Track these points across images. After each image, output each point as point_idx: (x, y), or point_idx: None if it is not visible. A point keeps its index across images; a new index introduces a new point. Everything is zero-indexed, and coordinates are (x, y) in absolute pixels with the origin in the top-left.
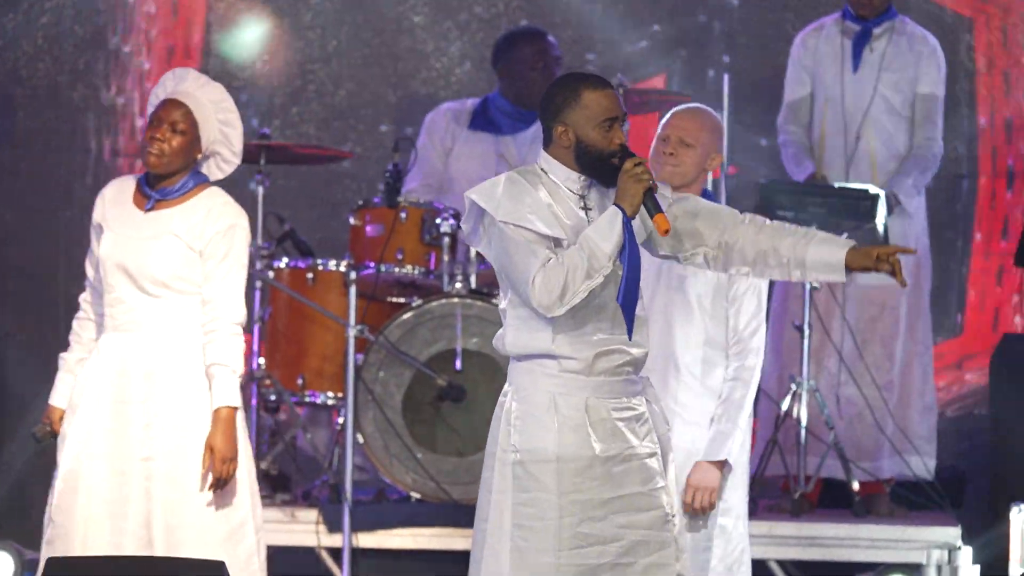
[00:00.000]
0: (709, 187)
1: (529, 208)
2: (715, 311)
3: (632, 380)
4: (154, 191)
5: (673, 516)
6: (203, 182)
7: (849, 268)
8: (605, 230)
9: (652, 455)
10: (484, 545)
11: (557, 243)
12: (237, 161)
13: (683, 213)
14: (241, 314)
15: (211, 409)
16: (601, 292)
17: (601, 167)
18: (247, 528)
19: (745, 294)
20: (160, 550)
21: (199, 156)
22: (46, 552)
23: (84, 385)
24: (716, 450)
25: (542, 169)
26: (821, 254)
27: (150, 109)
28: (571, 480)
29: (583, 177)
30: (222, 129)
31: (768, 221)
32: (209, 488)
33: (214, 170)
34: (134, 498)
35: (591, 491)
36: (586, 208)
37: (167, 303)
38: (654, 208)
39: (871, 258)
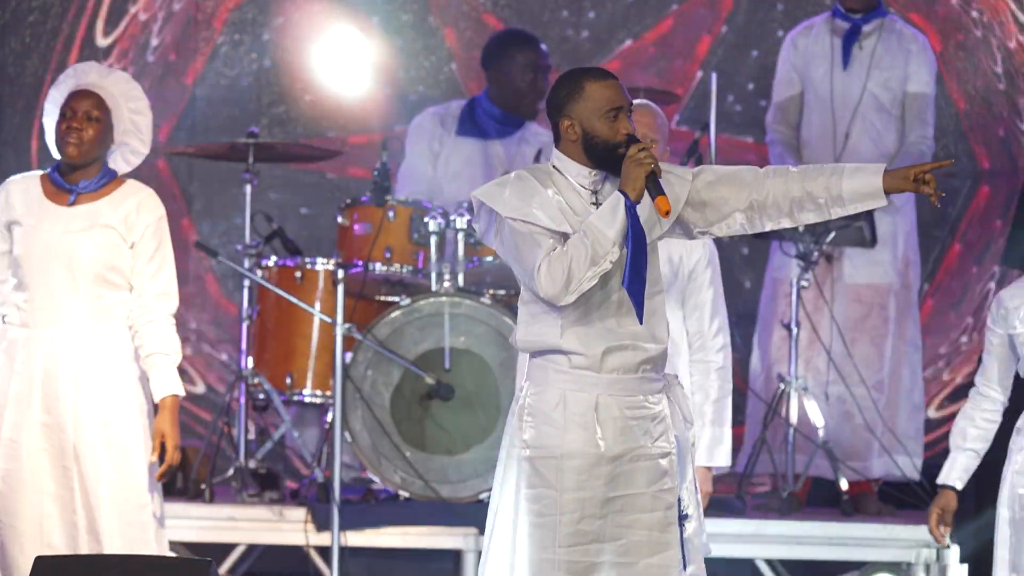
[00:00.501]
0: None
1: (536, 205)
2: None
3: (650, 378)
4: (72, 184)
5: (685, 517)
6: (116, 176)
7: (887, 192)
8: (608, 216)
9: (665, 455)
10: (491, 539)
11: (565, 238)
12: (146, 151)
13: (704, 185)
14: (175, 304)
15: (155, 398)
16: (606, 285)
17: (609, 158)
18: (163, 522)
19: (709, 292)
20: (108, 547)
21: (111, 146)
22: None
23: (7, 385)
24: (712, 454)
25: (554, 166)
26: (856, 186)
27: (49, 105)
28: (575, 477)
29: (595, 172)
30: (132, 118)
31: (792, 168)
32: (159, 476)
33: (120, 162)
34: (77, 492)
35: (594, 489)
36: (597, 203)
37: (96, 298)
38: (656, 191)
39: (908, 181)
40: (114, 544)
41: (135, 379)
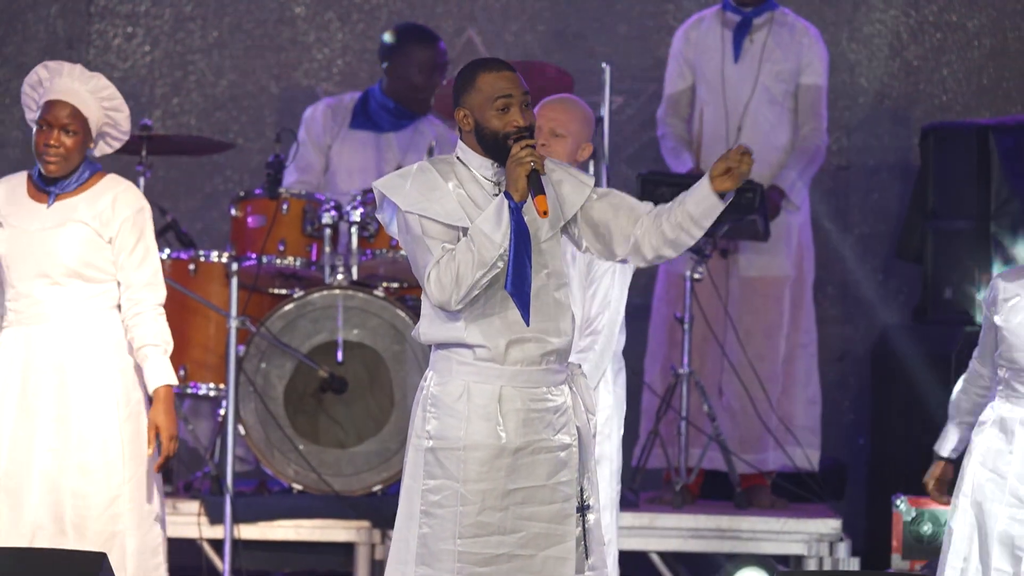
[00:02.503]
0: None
1: (435, 198)
2: (582, 296)
3: (553, 370)
4: (51, 186)
5: (586, 509)
6: (98, 170)
7: (720, 192)
8: (493, 219)
9: (566, 448)
10: (396, 529)
11: (464, 232)
12: (125, 138)
13: (607, 206)
14: (163, 294)
15: (149, 389)
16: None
17: (500, 149)
18: (154, 517)
19: (603, 277)
20: (72, 541)
21: (91, 146)
22: None
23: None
24: None
25: (458, 158)
26: (696, 200)
27: (26, 100)
28: (476, 469)
29: (496, 163)
30: (109, 115)
31: (666, 205)
32: (157, 468)
33: (103, 147)
34: (36, 489)
35: (495, 481)
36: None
37: (76, 293)
38: (536, 190)
39: (724, 168)
40: (83, 538)
41: (117, 371)
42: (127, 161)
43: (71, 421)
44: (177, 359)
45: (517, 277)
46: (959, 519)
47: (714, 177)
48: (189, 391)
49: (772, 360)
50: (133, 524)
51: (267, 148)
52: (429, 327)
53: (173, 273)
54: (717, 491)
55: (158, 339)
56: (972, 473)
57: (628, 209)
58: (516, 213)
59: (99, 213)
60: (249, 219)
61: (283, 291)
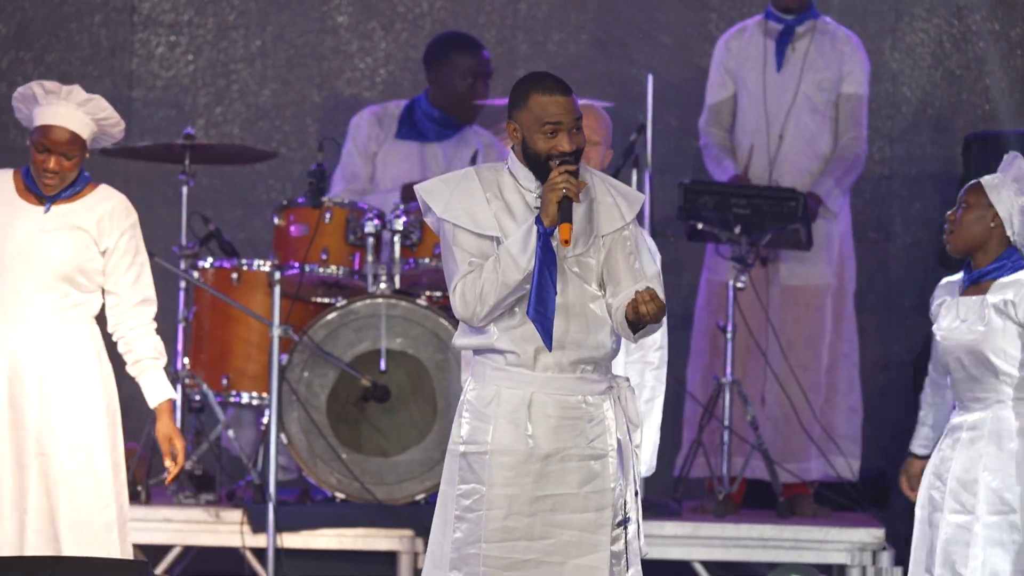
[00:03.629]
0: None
1: (469, 206)
2: None
3: (590, 379)
4: (48, 195)
5: (627, 522)
6: (90, 180)
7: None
8: (521, 242)
9: (600, 457)
10: (432, 535)
11: (497, 243)
12: (120, 137)
13: (622, 256)
14: (155, 309)
15: (151, 404)
16: None
17: (540, 169)
18: (125, 519)
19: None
20: (67, 549)
21: (87, 156)
22: None
23: None
24: None
25: (508, 166)
26: (618, 318)
27: (21, 107)
28: (502, 473)
29: (539, 179)
30: (106, 131)
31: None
32: (170, 480)
33: (101, 141)
34: (34, 492)
35: (522, 486)
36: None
37: (63, 298)
38: (564, 217)
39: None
40: (71, 546)
41: (99, 378)
42: (170, 170)
43: (55, 428)
44: (220, 368)
45: (539, 302)
46: (915, 532)
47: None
48: (232, 400)
49: (815, 369)
50: (119, 532)
51: (309, 157)
52: (462, 333)
53: (216, 282)
54: (760, 500)
55: (156, 353)
56: (925, 485)
57: (634, 275)
58: (543, 238)
59: (97, 222)
60: (292, 228)
61: (326, 300)
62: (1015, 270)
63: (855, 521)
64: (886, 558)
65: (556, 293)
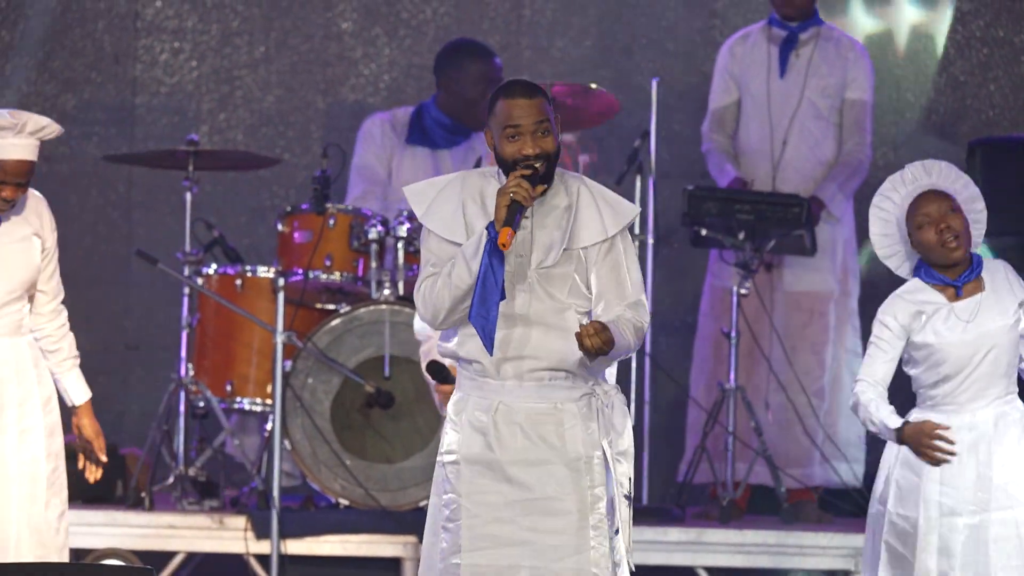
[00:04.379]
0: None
1: (445, 211)
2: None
3: (565, 385)
4: None
5: (601, 523)
6: None
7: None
8: (474, 247)
9: (576, 461)
10: (423, 546)
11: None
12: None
13: (609, 271)
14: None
15: (78, 402)
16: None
17: (508, 173)
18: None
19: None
20: (28, 553)
21: None
22: None
23: None
24: None
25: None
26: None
27: None
28: (475, 482)
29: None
30: (45, 139)
31: (626, 316)
32: (96, 479)
33: None
34: (16, 500)
35: (498, 493)
36: (526, 216)
37: (23, 303)
38: (507, 221)
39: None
40: (22, 551)
41: (48, 381)
42: (175, 176)
43: (34, 435)
44: (224, 374)
45: (481, 306)
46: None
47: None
48: (236, 406)
49: (818, 375)
50: (64, 530)
51: (314, 163)
52: (440, 340)
53: (220, 288)
54: (764, 506)
55: (76, 351)
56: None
57: (618, 291)
58: (491, 243)
59: (42, 225)
60: (296, 234)
61: (330, 306)
62: (980, 262)
63: (859, 527)
64: None
65: (502, 299)
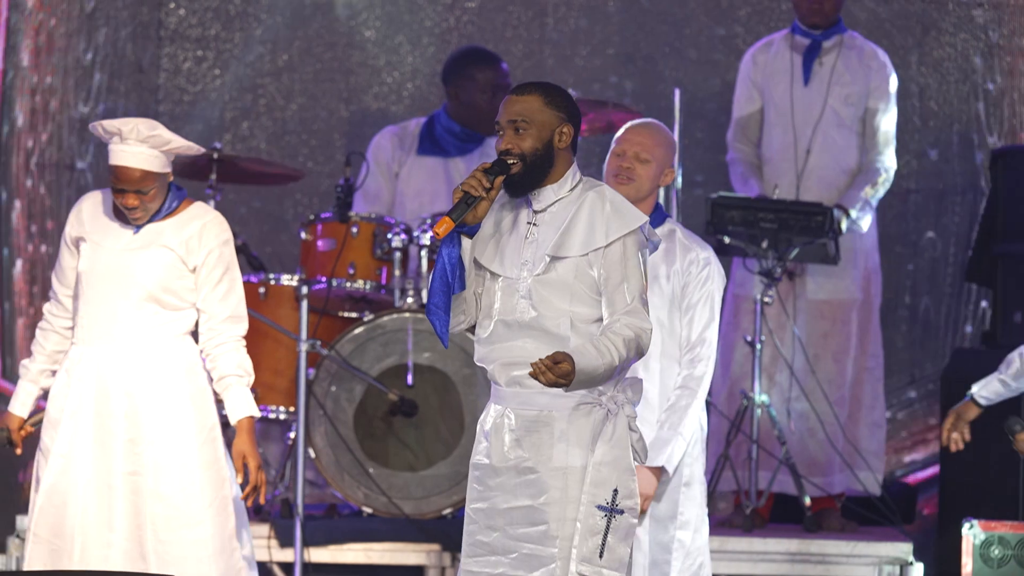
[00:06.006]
0: (660, 200)
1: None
2: (671, 324)
3: (558, 393)
4: (135, 224)
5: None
6: (185, 196)
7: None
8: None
9: (561, 470)
10: None
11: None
12: (197, 153)
13: (607, 278)
14: (245, 327)
15: (232, 420)
16: (509, 305)
17: None
18: (241, 539)
19: (697, 304)
20: (154, 566)
21: (170, 178)
22: (35, 566)
23: (62, 399)
24: (654, 455)
25: None
26: None
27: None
28: (476, 488)
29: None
30: (177, 154)
31: (615, 328)
32: (243, 497)
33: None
34: (120, 512)
35: (491, 500)
36: (533, 223)
37: (150, 317)
38: (450, 212)
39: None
40: (158, 565)
41: (189, 395)
42: (197, 185)
43: (144, 446)
44: None
45: (432, 298)
46: None
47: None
48: (259, 414)
49: (840, 383)
50: (215, 550)
51: (337, 171)
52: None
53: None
54: (787, 514)
55: (240, 370)
56: None
57: (617, 298)
58: (449, 234)
59: (185, 240)
60: (319, 242)
61: (353, 314)
62: None
63: (882, 535)
64: (914, 572)
65: (456, 291)
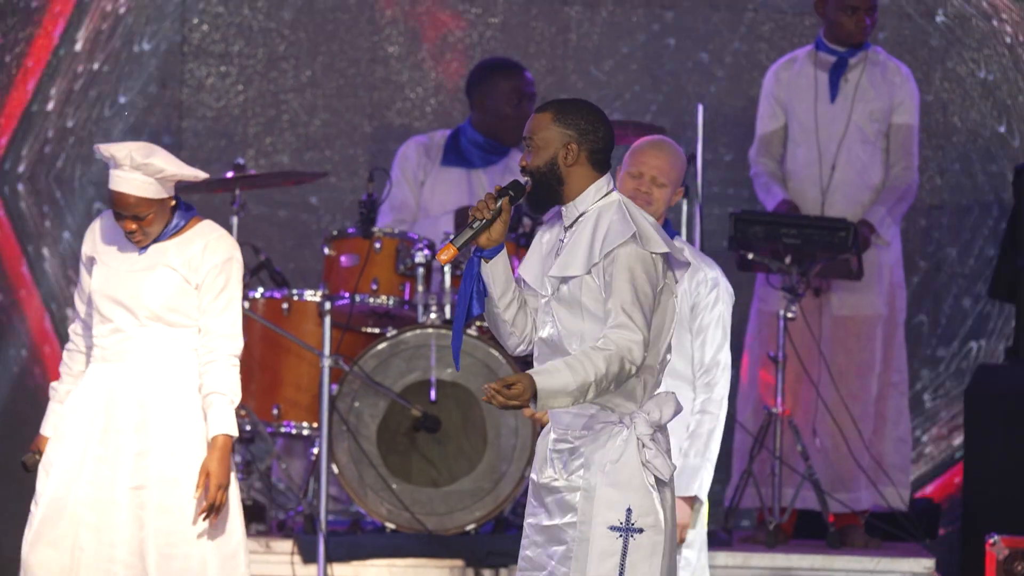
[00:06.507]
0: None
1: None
2: (680, 344)
3: (573, 412)
4: (139, 246)
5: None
6: (194, 215)
7: None
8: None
9: (576, 490)
10: None
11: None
12: (199, 178)
13: (605, 295)
14: (239, 346)
15: (207, 436)
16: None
17: None
18: (239, 558)
19: (709, 326)
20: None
21: (173, 202)
22: None
23: (71, 414)
24: (687, 485)
25: None
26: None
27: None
28: (528, 504)
29: (563, 206)
30: (177, 180)
31: (599, 343)
32: (202, 515)
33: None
34: (122, 526)
35: (536, 516)
36: (563, 239)
37: (159, 334)
38: (456, 237)
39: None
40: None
41: (197, 410)
42: (221, 199)
43: (152, 459)
44: (271, 398)
45: (455, 319)
46: None
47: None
48: (282, 430)
49: (864, 399)
50: (217, 564)
51: (360, 187)
52: None
53: (267, 312)
54: (810, 530)
55: (226, 388)
56: None
57: (605, 315)
58: (471, 258)
59: (189, 259)
60: (342, 258)
61: (376, 330)
62: None
63: (906, 551)
64: None
65: (474, 314)
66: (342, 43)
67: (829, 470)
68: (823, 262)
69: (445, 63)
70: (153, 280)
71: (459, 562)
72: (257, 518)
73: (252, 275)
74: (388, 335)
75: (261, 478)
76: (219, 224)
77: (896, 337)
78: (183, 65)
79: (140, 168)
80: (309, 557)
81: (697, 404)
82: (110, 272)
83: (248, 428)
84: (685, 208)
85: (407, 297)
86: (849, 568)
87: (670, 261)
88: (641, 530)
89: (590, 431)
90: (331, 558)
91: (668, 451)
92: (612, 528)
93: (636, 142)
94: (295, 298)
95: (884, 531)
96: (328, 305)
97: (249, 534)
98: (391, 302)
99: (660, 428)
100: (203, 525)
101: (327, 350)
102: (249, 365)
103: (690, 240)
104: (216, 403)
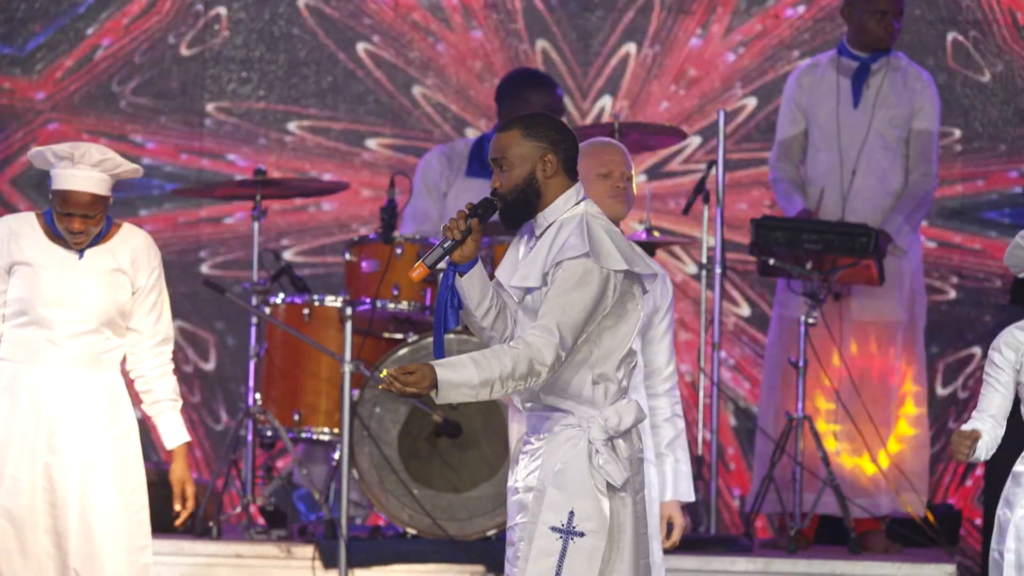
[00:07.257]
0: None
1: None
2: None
3: (538, 415)
4: (77, 248)
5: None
6: (112, 219)
7: None
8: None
9: (530, 491)
10: None
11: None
12: (136, 176)
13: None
14: (172, 348)
15: (168, 446)
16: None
17: None
18: (148, 552)
19: (667, 333)
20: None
21: (110, 201)
22: None
23: (12, 423)
24: (688, 491)
25: None
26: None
27: (36, 164)
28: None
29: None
30: (122, 178)
31: (512, 342)
32: (179, 523)
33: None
34: (72, 533)
35: (510, 519)
36: (532, 247)
37: (103, 339)
38: (426, 255)
39: None
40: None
41: (106, 418)
42: (242, 206)
43: (100, 468)
44: (291, 404)
45: (435, 331)
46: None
47: None
48: (303, 435)
49: (885, 404)
50: (140, 567)
51: (380, 193)
52: None
53: (287, 318)
54: (831, 536)
55: (175, 395)
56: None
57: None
58: (447, 271)
59: (132, 261)
60: (363, 264)
61: (397, 335)
62: None
63: (926, 557)
64: None
65: (449, 327)
66: (363, 50)
67: (850, 476)
68: (844, 267)
69: (465, 69)
70: (103, 284)
71: (480, 567)
72: (278, 523)
73: (273, 280)
74: (409, 340)
75: (282, 483)
76: (241, 229)
77: (916, 343)
78: (204, 71)
79: (99, 165)
80: (330, 562)
81: (667, 411)
82: (50, 278)
83: (269, 433)
84: (706, 213)
85: (428, 303)
86: (870, 574)
87: (636, 274)
88: (582, 534)
89: (550, 433)
90: (352, 563)
91: (637, 459)
92: (553, 529)
93: (587, 145)
94: (316, 303)
95: (905, 537)
96: (349, 311)
97: (270, 539)
98: (412, 307)
99: (622, 435)
100: (148, 532)
101: (348, 355)
102: (270, 371)
103: (711, 245)
104: (167, 411)
